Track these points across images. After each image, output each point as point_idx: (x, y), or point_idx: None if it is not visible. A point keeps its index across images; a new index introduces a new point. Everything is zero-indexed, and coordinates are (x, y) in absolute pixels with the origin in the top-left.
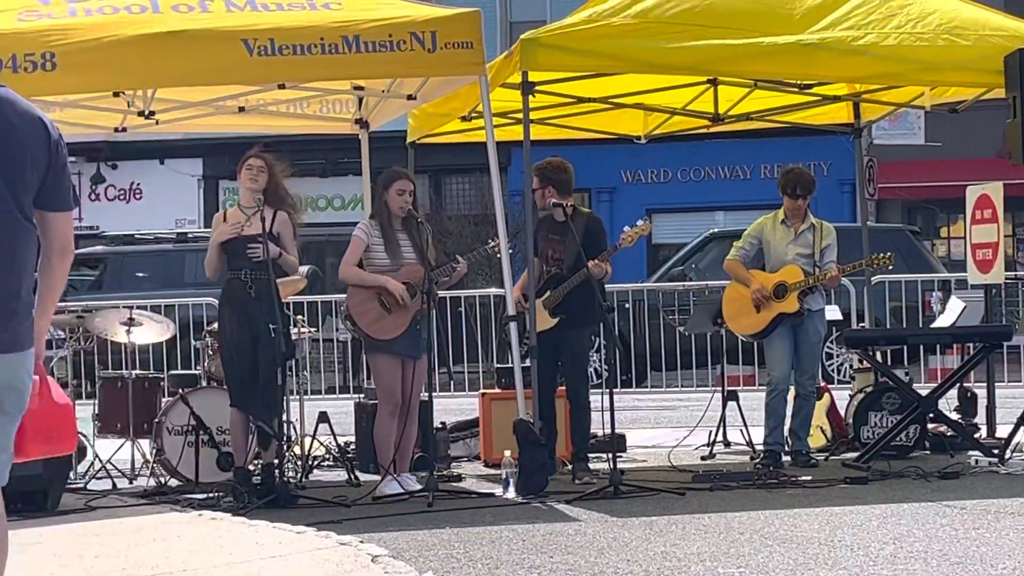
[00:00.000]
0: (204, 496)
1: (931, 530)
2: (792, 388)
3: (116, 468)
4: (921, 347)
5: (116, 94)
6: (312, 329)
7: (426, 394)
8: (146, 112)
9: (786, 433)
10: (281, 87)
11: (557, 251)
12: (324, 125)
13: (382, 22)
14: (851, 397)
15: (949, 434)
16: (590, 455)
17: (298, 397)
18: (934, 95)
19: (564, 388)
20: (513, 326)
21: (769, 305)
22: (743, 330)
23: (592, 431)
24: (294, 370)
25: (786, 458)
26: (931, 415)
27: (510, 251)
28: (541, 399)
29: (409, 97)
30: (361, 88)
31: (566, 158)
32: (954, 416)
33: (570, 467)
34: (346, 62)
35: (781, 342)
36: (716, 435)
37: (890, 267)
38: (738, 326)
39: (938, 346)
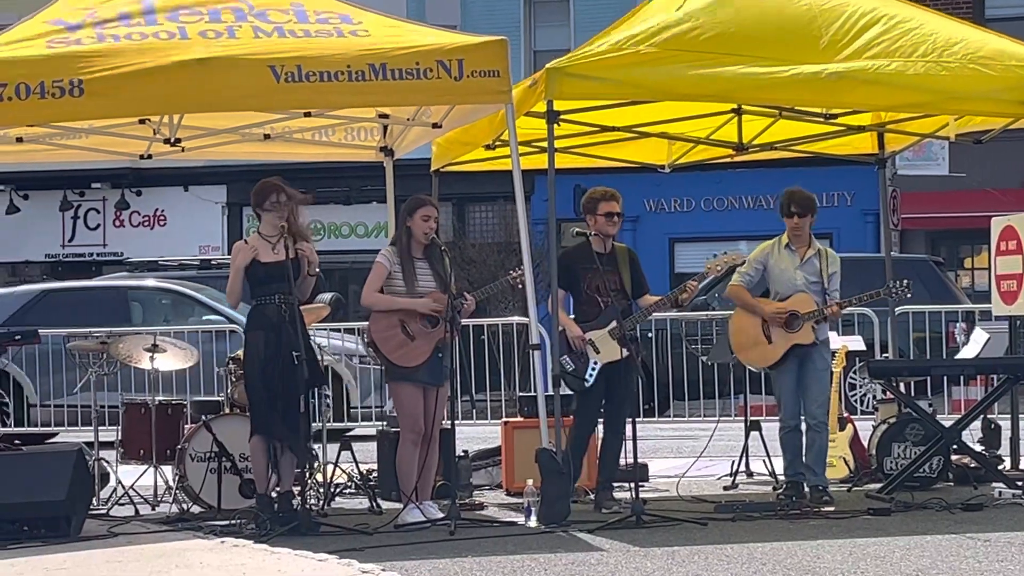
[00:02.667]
0: (226, 523)
1: (954, 562)
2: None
3: (139, 494)
4: (945, 378)
5: (142, 121)
6: (335, 357)
7: (448, 422)
8: (171, 139)
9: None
10: (307, 115)
11: (612, 281)
12: (349, 153)
13: (409, 50)
14: (874, 428)
15: (973, 466)
16: (614, 484)
17: (321, 424)
18: (959, 125)
19: (607, 414)
20: (536, 354)
21: (782, 335)
22: (756, 361)
23: None
24: (318, 398)
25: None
26: (955, 446)
27: (535, 276)
28: (584, 432)
29: (434, 125)
30: (386, 116)
31: (589, 186)
32: (978, 448)
33: (591, 496)
34: (372, 89)
35: (789, 378)
36: (739, 465)
37: (909, 295)
38: (750, 357)
39: (962, 377)
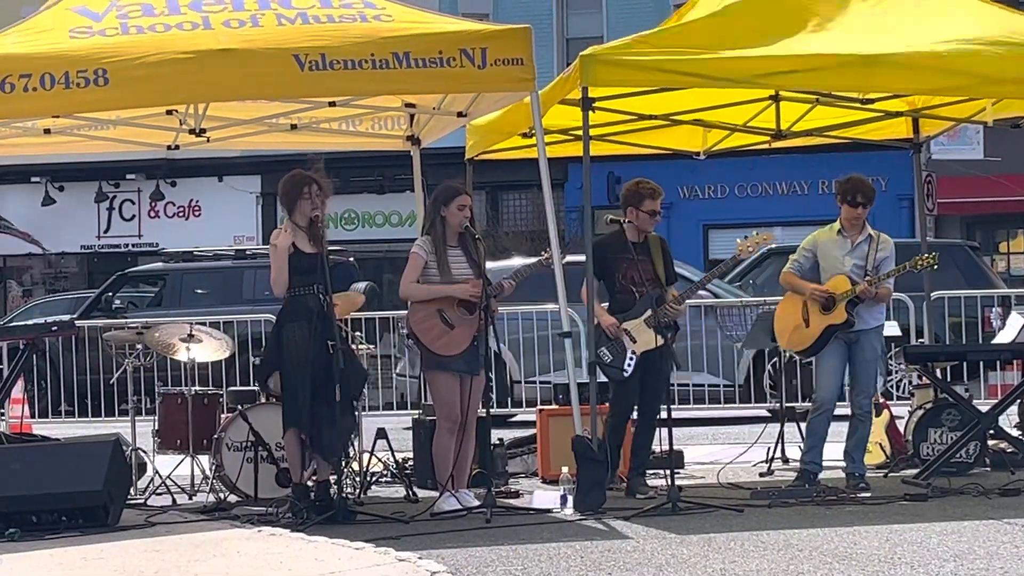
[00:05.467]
0: (263, 511)
1: (992, 548)
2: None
3: (176, 484)
4: (981, 363)
5: (169, 111)
6: (370, 346)
7: (484, 410)
8: (197, 130)
9: (841, 454)
10: (332, 104)
11: (646, 271)
12: (376, 142)
13: (432, 38)
14: (910, 413)
15: (1010, 451)
16: (648, 471)
17: (357, 413)
18: (996, 110)
19: (641, 404)
20: (568, 342)
21: (818, 317)
22: (792, 346)
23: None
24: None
25: (823, 475)
26: (991, 431)
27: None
28: (621, 421)
29: (459, 114)
30: (412, 105)
31: (623, 173)
32: (1015, 432)
33: (624, 483)
34: (396, 77)
35: (832, 359)
36: (774, 452)
37: (935, 267)
38: (787, 342)
39: (998, 362)
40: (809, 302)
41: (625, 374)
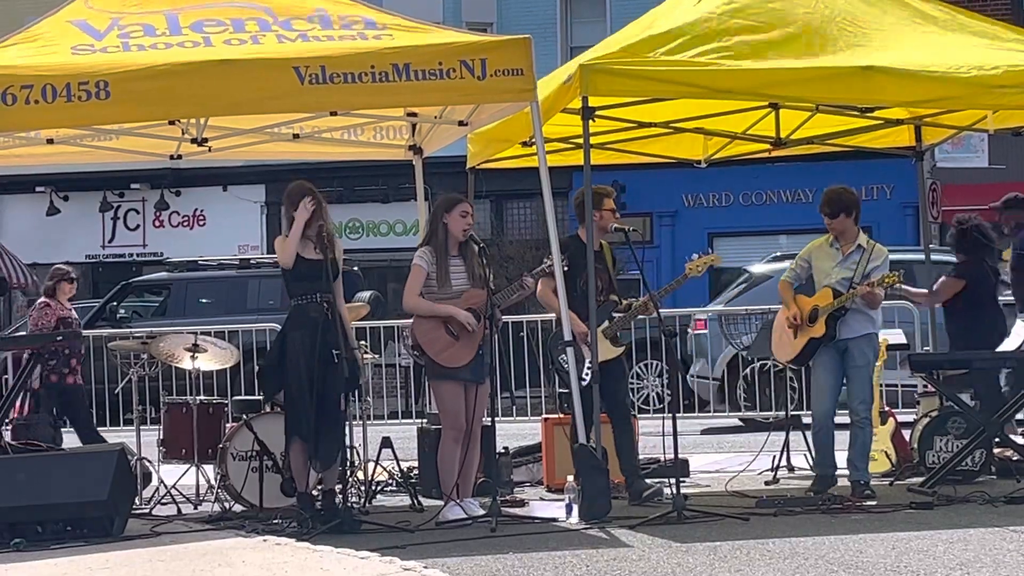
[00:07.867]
0: (268, 521)
1: (998, 556)
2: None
3: (181, 493)
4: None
5: (171, 122)
6: (374, 355)
7: (489, 419)
8: (199, 140)
9: (844, 462)
10: (333, 114)
11: (604, 280)
12: (378, 152)
13: (432, 49)
14: (916, 421)
15: (1015, 459)
16: (653, 480)
17: (361, 422)
18: (997, 119)
19: (610, 410)
20: (570, 351)
21: (804, 331)
22: (782, 357)
23: (655, 456)
24: (358, 396)
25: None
26: (997, 439)
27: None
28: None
29: (460, 123)
30: (414, 115)
31: (626, 182)
32: (1020, 440)
33: (626, 491)
34: (396, 90)
35: (823, 375)
36: (780, 460)
37: (899, 284)
38: (778, 353)
39: (1003, 370)
40: (789, 320)
41: (583, 383)
